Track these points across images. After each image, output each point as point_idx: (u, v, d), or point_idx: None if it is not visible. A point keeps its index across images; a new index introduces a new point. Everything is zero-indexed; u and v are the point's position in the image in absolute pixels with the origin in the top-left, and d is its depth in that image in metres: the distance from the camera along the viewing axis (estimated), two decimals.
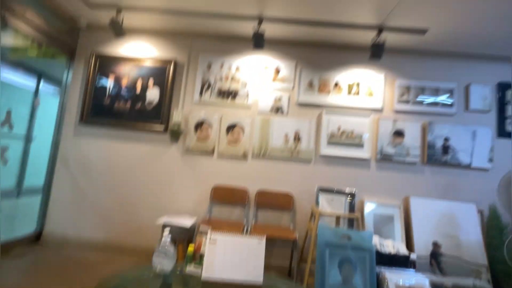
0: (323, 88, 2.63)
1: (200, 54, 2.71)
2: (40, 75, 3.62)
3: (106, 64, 2.70)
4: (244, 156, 2.58)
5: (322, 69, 2.66)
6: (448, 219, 2.33)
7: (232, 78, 2.67)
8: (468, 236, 2.25)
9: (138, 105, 2.65)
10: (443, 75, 2.61)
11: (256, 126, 2.60)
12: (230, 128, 2.62)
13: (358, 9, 2.07)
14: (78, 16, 2.63)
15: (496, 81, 2.59)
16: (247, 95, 2.65)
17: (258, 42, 2.31)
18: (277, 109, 2.63)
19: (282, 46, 2.70)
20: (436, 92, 2.57)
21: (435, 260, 2.20)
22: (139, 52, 2.73)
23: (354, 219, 2.32)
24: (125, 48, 2.75)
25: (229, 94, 2.65)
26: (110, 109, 2.65)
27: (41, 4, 2.32)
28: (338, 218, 2.22)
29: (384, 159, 2.52)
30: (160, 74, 2.67)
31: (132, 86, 2.66)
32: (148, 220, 2.56)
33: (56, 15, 2.50)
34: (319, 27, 2.36)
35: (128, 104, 2.65)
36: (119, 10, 2.38)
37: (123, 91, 2.66)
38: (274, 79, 2.66)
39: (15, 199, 3.15)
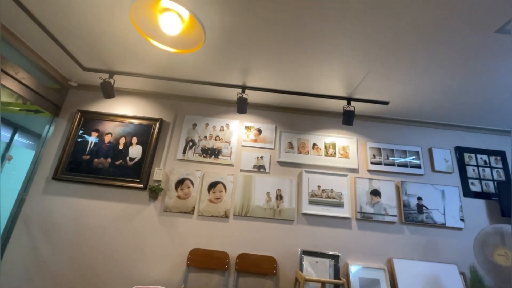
0: (302, 149, 2.78)
1: (186, 114, 2.85)
2: (16, 129, 3.54)
3: (91, 121, 2.74)
4: (226, 215, 2.51)
5: (300, 131, 2.86)
6: (433, 283, 2.28)
7: (216, 138, 2.78)
8: None
9: (119, 161, 2.61)
10: (408, 140, 2.90)
11: (238, 184, 2.61)
12: (212, 186, 2.60)
13: (329, 83, 2.38)
14: (70, 77, 2.76)
15: (453, 146, 2.90)
16: (230, 154, 2.72)
17: (241, 107, 2.50)
18: (260, 167, 2.69)
19: (263, 111, 2.93)
20: (404, 154, 2.81)
21: None
22: (125, 111, 2.82)
23: (340, 286, 2.20)
24: (111, 106, 2.84)
25: (213, 153, 2.72)
26: (89, 166, 2.57)
27: (35, 66, 2.43)
28: (323, 284, 2.10)
29: (364, 218, 2.56)
30: (145, 132, 2.72)
31: (115, 143, 2.67)
32: None
33: (48, 76, 2.61)
34: (296, 95, 2.63)
35: (109, 161, 2.60)
36: (111, 75, 2.54)
37: (105, 148, 2.64)
38: (256, 140, 2.79)
39: None
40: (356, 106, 2.75)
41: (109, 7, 1.73)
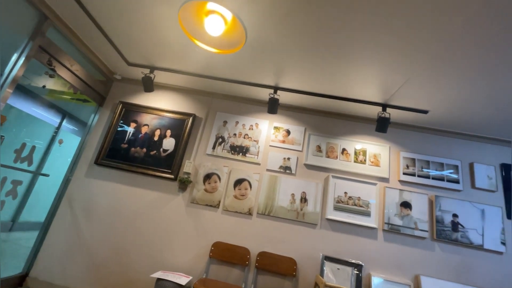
0: (330, 153, 2.74)
1: (217, 111, 2.94)
2: (64, 115, 3.90)
3: (130, 112, 2.93)
4: (249, 212, 2.56)
5: (330, 135, 2.81)
6: None
7: (245, 136, 2.83)
8: None
9: (153, 152, 2.77)
10: (446, 152, 2.72)
11: (263, 183, 2.64)
12: (238, 182, 2.66)
13: (364, 88, 2.32)
14: (115, 70, 2.98)
15: (499, 162, 2.67)
16: (258, 153, 2.76)
17: (272, 107, 2.53)
18: (286, 169, 2.70)
19: (293, 112, 2.93)
20: (441, 167, 2.65)
21: None
22: (162, 105, 2.98)
23: None
24: (149, 100, 3.02)
25: (241, 150, 2.78)
26: (126, 154, 2.77)
27: (87, 59, 2.67)
28: None
29: (391, 230, 2.46)
30: (178, 126, 2.86)
31: (151, 135, 2.84)
32: (142, 273, 2.42)
33: (97, 68, 2.84)
34: (328, 98, 2.59)
35: (144, 151, 2.78)
36: (152, 70, 2.70)
37: (141, 138, 2.82)
38: (284, 141, 2.80)
39: (7, 233, 3.06)
40: (392, 113, 2.64)
41: (156, 8, 1.84)
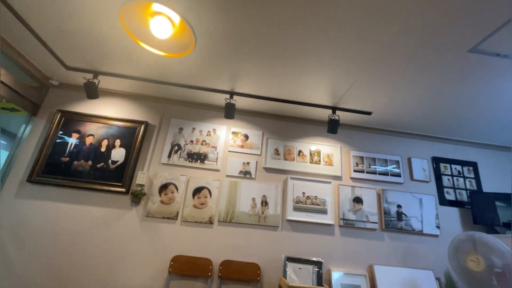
0: (288, 155, 2.82)
1: (172, 118, 2.81)
2: None
3: (72, 121, 2.64)
4: (210, 221, 2.48)
5: (286, 138, 2.90)
6: None
7: (203, 142, 2.76)
8: None
9: (100, 164, 2.52)
10: (389, 149, 3.02)
11: (224, 190, 2.60)
12: (197, 191, 2.57)
13: (316, 92, 2.45)
14: (51, 75, 2.66)
15: (430, 156, 3.05)
16: (217, 159, 2.71)
17: (229, 112, 2.51)
18: (246, 173, 2.70)
19: (251, 116, 2.95)
20: (386, 163, 2.92)
21: None
22: (109, 112, 2.75)
23: None
24: (94, 107, 2.75)
25: (199, 157, 2.69)
26: (67, 168, 2.47)
27: (15, 62, 2.33)
28: None
29: (346, 224, 2.62)
30: (129, 135, 2.66)
31: (97, 145, 2.58)
32: None
33: (27, 73, 2.50)
34: (283, 103, 2.68)
35: (89, 164, 2.51)
36: (96, 75, 2.48)
37: (86, 150, 2.55)
38: (243, 146, 2.80)
39: None
40: (341, 115, 2.83)
41: (97, 7, 1.70)
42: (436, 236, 2.70)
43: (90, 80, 2.41)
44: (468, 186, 2.96)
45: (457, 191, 2.92)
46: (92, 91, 2.43)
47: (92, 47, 2.13)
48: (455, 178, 2.97)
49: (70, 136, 2.58)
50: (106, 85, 2.74)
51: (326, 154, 2.88)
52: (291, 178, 2.70)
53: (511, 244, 2.08)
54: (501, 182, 3.05)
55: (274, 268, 2.41)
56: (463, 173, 3.01)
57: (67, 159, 2.50)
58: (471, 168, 3.04)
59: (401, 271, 2.46)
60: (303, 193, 2.67)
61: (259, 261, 2.41)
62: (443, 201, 2.85)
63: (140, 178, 2.51)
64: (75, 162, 2.50)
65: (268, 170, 2.75)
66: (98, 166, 2.52)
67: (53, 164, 2.47)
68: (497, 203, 2.70)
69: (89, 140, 2.60)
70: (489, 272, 1.83)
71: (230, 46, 1.94)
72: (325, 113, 2.84)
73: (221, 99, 2.76)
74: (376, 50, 1.84)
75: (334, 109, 2.68)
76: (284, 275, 2.25)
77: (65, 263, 2.24)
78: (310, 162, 2.82)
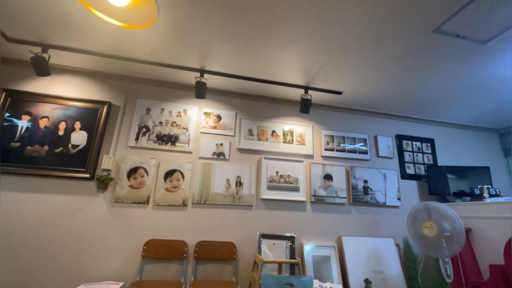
0: (261, 135, 2.82)
1: (138, 98, 2.63)
2: None
3: (20, 102, 2.35)
4: (184, 204, 2.44)
5: (260, 119, 2.88)
6: (374, 255, 2.58)
7: (173, 124, 2.64)
8: (391, 270, 2.52)
9: (59, 149, 2.31)
10: (357, 128, 3.15)
11: (197, 172, 2.55)
12: (169, 174, 2.49)
13: (289, 71, 2.42)
14: None
15: (394, 134, 3.25)
16: (189, 141, 2.62)
17: (200, 92, 2.40)
18: (219, 155, 2.66)
19: (223, 96, 2.87)
20: (354, 141, 3.06)
21: None
22: (65, 92, 2.49)
23: (295, 264, 2.34)
24: (47, 86, 2.47)
25: (169, 139, 2.58)
26: (20, 154, 2.23)
27: None
28: (280, 265, 2.21)
29: (317, 200, 2.74)
30: (90, 117, 2.45)
31: (53, 129, 2.35)
32: None
33: None
34: (256, 82, 2.63)
35: (46, 149, 2.29)
36: (45, 48, 2.19)
37: (40, 134, 2.31)
38: (216, 127, 2.73)
39: None
40: (313, 95, 2.86)
41: None
42: (397, 207, 2.94)
43: (39, 54, 2.13)
44: (425, 161, 3.22)
45: (416, 165, 3.17)
46: (41, 68, 2.16)
47: (38, 16, 1.86)
48: (415, 154, 3.21)
49: (19, 118, 2.31)
50: (60, 61, 2.45)
51: (299, 133, 2.92)
52: (265, 158, 2.72)
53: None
54: (453, 156, 3.36)
55: (249, 246, 2.47)
56: (422, 149, 3.26)
57: (18, 144, 2.25)
58: (429, 144, 3.30)
59: (366, 240, 2.67)
60: (277, 172, 2.71)
61: (234, 239, 2.46)
62: (404, 175, 3.09)
63: (106, 162, 2.36)
64: (28, 147, 2.26)
65: (242, 150, 2.74)
66: (57, 151, 2.31)
67: (1, 150, 2.21)
68: (449, 175, 2.99)
69: (43, 123, 2.35)
70: (440, 236, 2.06)
71: (198, 21, 1.81)
72: (298, 93, 2.85)
73: (191, 77, 2.63)
74: (345, 30, 1.83)
75: (306, 89, 2.69)
76: (259, 251, 2.33)
77: (28, 257, 2.08)
78: (283, 142, 2.85)
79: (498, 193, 2.62)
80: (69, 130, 2.38)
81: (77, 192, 2.29)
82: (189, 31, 1.94)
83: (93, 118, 2.45)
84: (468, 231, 2.40)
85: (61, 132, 2.36)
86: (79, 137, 2.38)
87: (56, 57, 2.39)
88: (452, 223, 2.03)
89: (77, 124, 2.41)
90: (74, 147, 2.35)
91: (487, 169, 2.99)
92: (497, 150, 3.59)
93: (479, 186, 2.73)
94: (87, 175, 2.30)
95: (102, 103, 2.50)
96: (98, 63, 2.45)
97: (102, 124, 2.44)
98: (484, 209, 2.31)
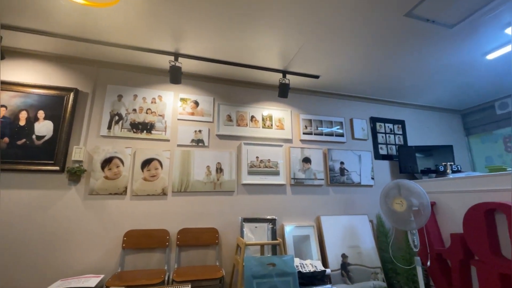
0: (241, 121, 2.80)
1: (108, 84, 2.48)
2: None
3: None
4: (164, 192, 2.40)
5: (239, 104, 2.85)
6: (350, 232, 2.74)
7: (148, 111, 2.53)
8: (366, 245, 2.70)
9: (22, 141, 2.14)
10: (334, 111, 3.23)
11: (176, 160, 2.49)
12: (147, 163, 2.42)
13: (266, 55, 2.39)
14: None
15: (368, 116, 3.37)
16: (165, 128, 2.54)
17: (174, 77, 2.31)
18: (198, 142, 2.61)
19: (200, 81, 2.78)
20: (331, 124, 3.14)
21: (345, 270, 2.51)
22: (24, 78, 2.27)
23: (277, 245, 2.43)
24: (2, 71, 2.24)
25: (144, 127, 2.48)
26: None
27: None
28: (262, 246, 2.28)
29: (297, 183, 2.82)
30: (55, 105, 2.27)
31: (13, 119, 2.16)
32: None
33: None
34: (233, 66, 2.57)
35: (6, 141, 2.11)
36: None
37: None
38: (193, 113, 2.66)
39: None
40: (291, 79, 2.86)
41: None
42: (371, 186, 3.11)
43: None
44: (397, 141, 3.41)
45: (389, 146, 3.35)
46: None
47: None
48: (387, 135, 3.38)
49: None
50: (15, 43, 2.21)
51: (278, 118, 2.94)
52: (245, 144, 2.72)
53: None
54: (421, 136, 3.58)
55: (231, 230, 2.51)
56: (393, 130, 3.43)
57: None
58: (400, 126, 3.48)
59: (342, 219, 2.82)
60: (257, 157, 2.73)
61: (217, 225, 2.48)
62: (377, 156, 3.25)
63: (76, 153, 2.23)
64: None
65: (221, 136, 2.71)
66: (19, 143, 2.14)
67: None
68: (417, 154, 3.20)
69: (1, 112, 2.14)
70: (409, 211, 2.22)
71: (170, 1, 1.71)
72: (276, 78, 2.83)
73: (165, 62, 2.51)
74: (321, 14, 1.82)
75: (284, 73, 2.68)
76: (242, 235, 2.37)
77: None
78: (263, 127, 2.85)
79: (460, 169, 2.86)
80: (32, 120, 2.20)
81: (47, 185, 2.15)
82: (160, 11, 1.82)
83: (59, 107, 2.27)
84: (433, 204, 2.61)
85: (22, 123, 2.17)
86: (44, 128, 2.21)
87: (10, 39, 2.15)
88: (419, 198, 2.19)
89: (41, 114, 2.23)
90: (39, 138, 2.19)
91: (450, 147, 3.23)
92: (459, 129, 3.88)
93: (443, 163, 2.95)
94: (57, 167, 2.17)
95: (68, 90, 2.32)
96: (61, 46, 2.24)
97: (70, 113, 2.28)
98: (447, 184, 2.52)
